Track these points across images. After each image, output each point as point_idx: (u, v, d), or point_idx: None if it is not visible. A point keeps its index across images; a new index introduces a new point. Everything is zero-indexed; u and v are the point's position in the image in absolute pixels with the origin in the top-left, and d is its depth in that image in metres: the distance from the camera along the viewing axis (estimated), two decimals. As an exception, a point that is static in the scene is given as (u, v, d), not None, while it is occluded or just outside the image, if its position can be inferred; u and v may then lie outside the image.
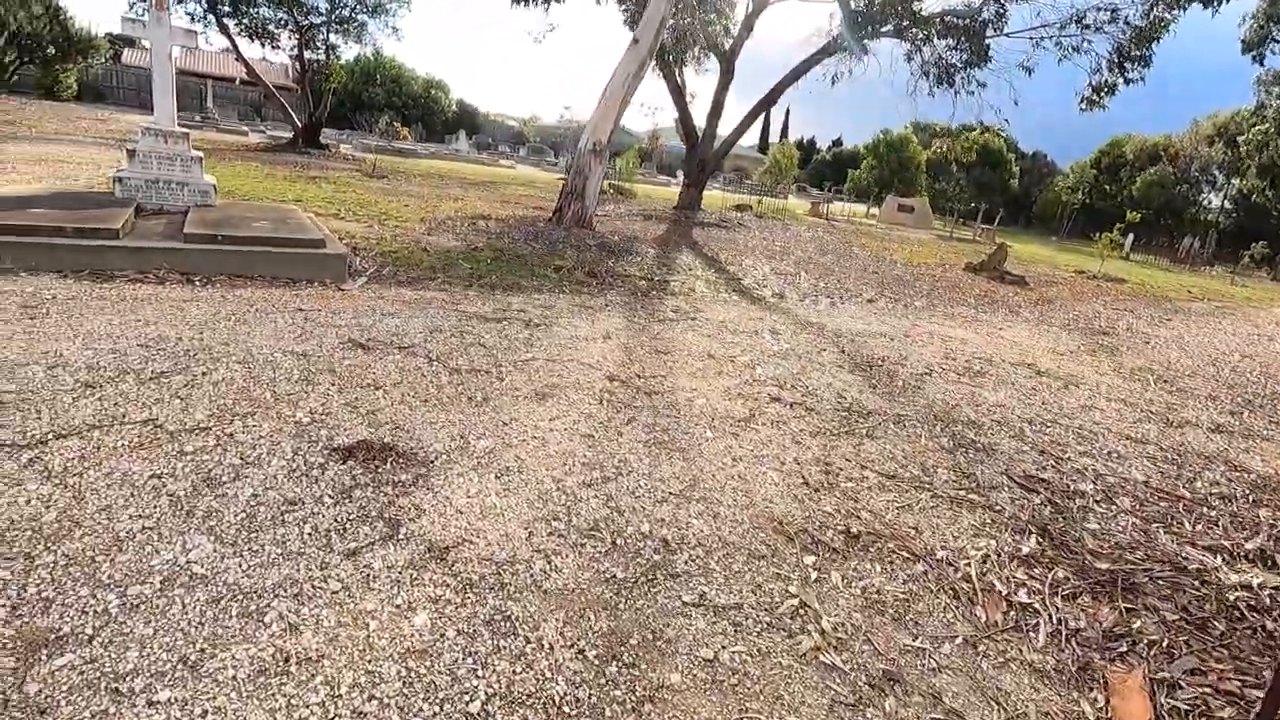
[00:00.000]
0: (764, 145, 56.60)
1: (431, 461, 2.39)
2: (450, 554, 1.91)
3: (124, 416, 2.37)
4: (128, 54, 37.93)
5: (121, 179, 5.82)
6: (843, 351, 4.92)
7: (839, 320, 6.24)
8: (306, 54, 19.45)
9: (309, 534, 1.90)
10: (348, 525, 1.96)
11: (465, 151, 32.66)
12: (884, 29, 12.56)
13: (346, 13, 18.87)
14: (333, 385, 2.89)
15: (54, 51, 26.46)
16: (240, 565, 1.74)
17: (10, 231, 4.31)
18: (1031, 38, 13.18)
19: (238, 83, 39.07)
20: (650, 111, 42.22)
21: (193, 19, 18.69)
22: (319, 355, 3.24)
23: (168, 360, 2.92)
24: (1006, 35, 13.03)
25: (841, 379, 4.18)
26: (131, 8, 16.05)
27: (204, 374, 2.82)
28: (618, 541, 2.10)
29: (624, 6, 15.94)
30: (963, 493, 2.81)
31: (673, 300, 6.11)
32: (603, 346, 4.10)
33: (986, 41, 12.72)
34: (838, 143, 60.76)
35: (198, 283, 4.51)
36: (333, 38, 20.02)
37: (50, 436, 2.17)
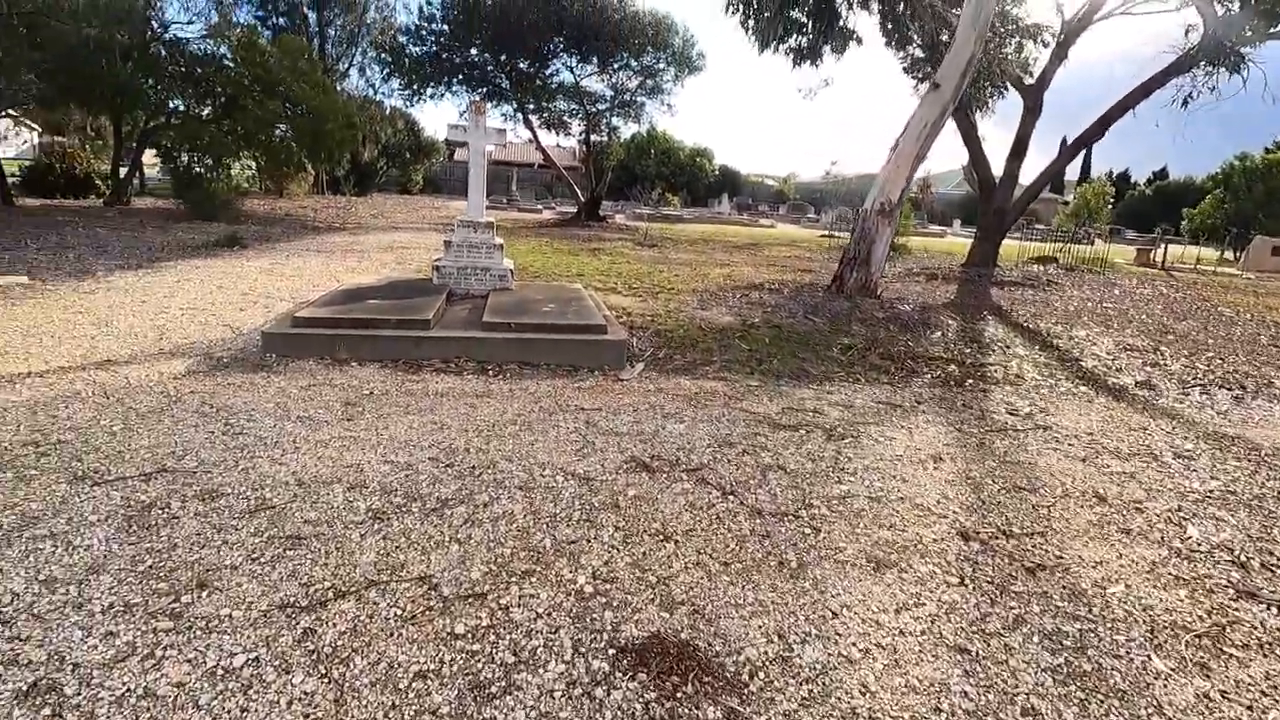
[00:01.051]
0: (1058, 184, 49.32)
1: (744, 684, 1.71)
2: None
3: (402, 567, 2.08)
4: (459, 152, 46.27)
5: (438, 267, 6.39)
6: (1307, 491, 3.27)
7: (1270, 429, 4.40)
8: (592, 136, 21.47)
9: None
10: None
11: (727, 213, 33.38)
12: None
13: (627, 97, 20.49)
14: (617, 531, 2.39)
15: (409, 156, 33.06)
16: None
17: (347, 326, 4.77)
18: None
19: (535, 167, 45.24)
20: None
21: (505, 118, 21.75)
22: (601, 479, 2.81)
23: (454, 481, 2.70)
24: None
25: (1338, 550, 2.66)
26: (461, 115, 19.06)
27: (485, 505, 2.52)
28: None
29: (901, 53, 14.80)
30: None
31: (1000, 393, 4.85)
32: (936, 475, 3.13)
33: None
34: (1160, 174, 50.68)
35: (491, 372, 4.54)
36: (614, 120, 21.89)
37: (330, 595, 1.93)
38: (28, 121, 24.44)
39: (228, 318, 5.59)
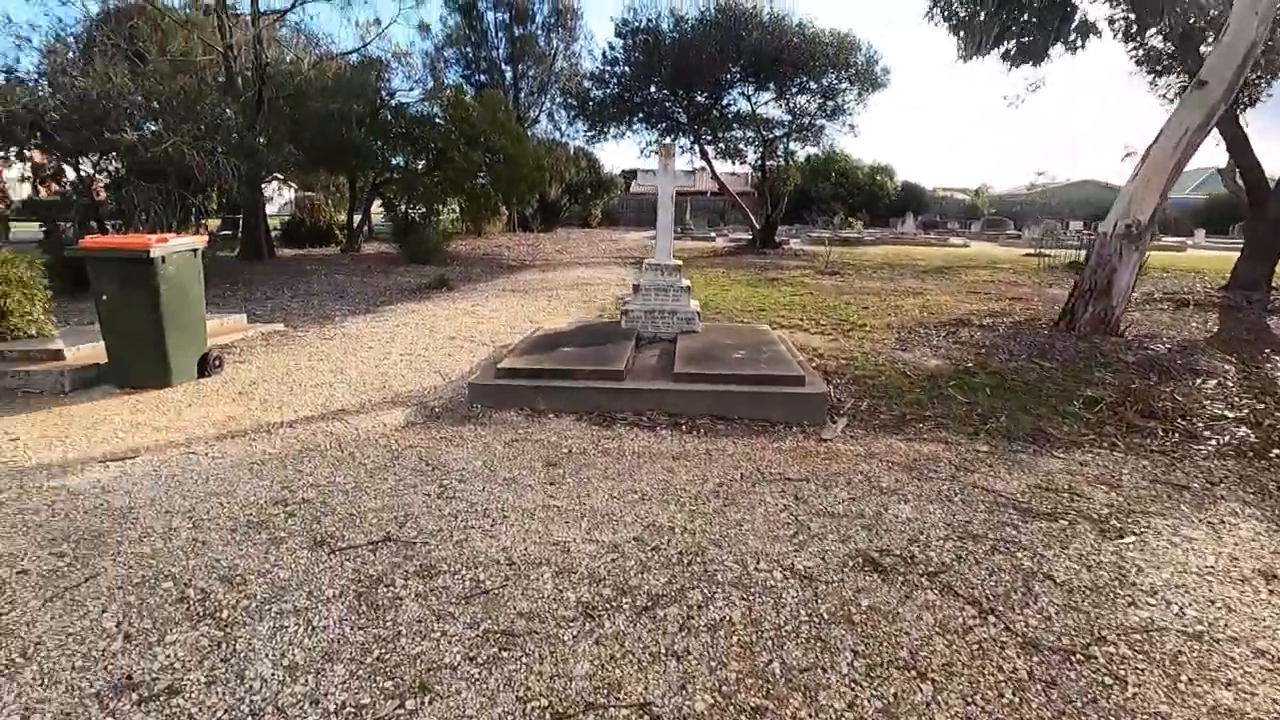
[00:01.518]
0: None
1: None
2: None
3: (619, 686, 1.90)
4: (633, 185, 48.15)
5: (627, 311, 6.41)
6: None
7: None
8: (768, 162, 21.10)
9: None
10: None
11: (911, 233, 31.23)
12: None
13: (805, 121, 19.92)
14: (856, 658, 2.04)
15: (589, 191, 34.90)
16: None
17: (545, 377, 4.86)
18: None
19: (708, 195, 45.69)
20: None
21: (681, 150, 22.09)
22: (825, 580, 2.46)
23: (662, 571, 2.51)
24: None
25: None
26: (642, 152, 19.65)
27: (699, 606, 2.29)
28: None
29: (1133, 45, 12.83)
30: None
31: (1330, 472, 3.76)
32: (1275, 603, 2.39)
33: None
34: None
35: (684, 427, 4.36)
36: (791, 144, 21.36)
37: (548, 718, 1.78)
38: (290, 182, 29.21)
39: (438, 363, 5.99)
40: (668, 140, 21.14)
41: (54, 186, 10.22)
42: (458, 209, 21.91)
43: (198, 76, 12.30)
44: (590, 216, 36.81)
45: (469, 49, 27.23)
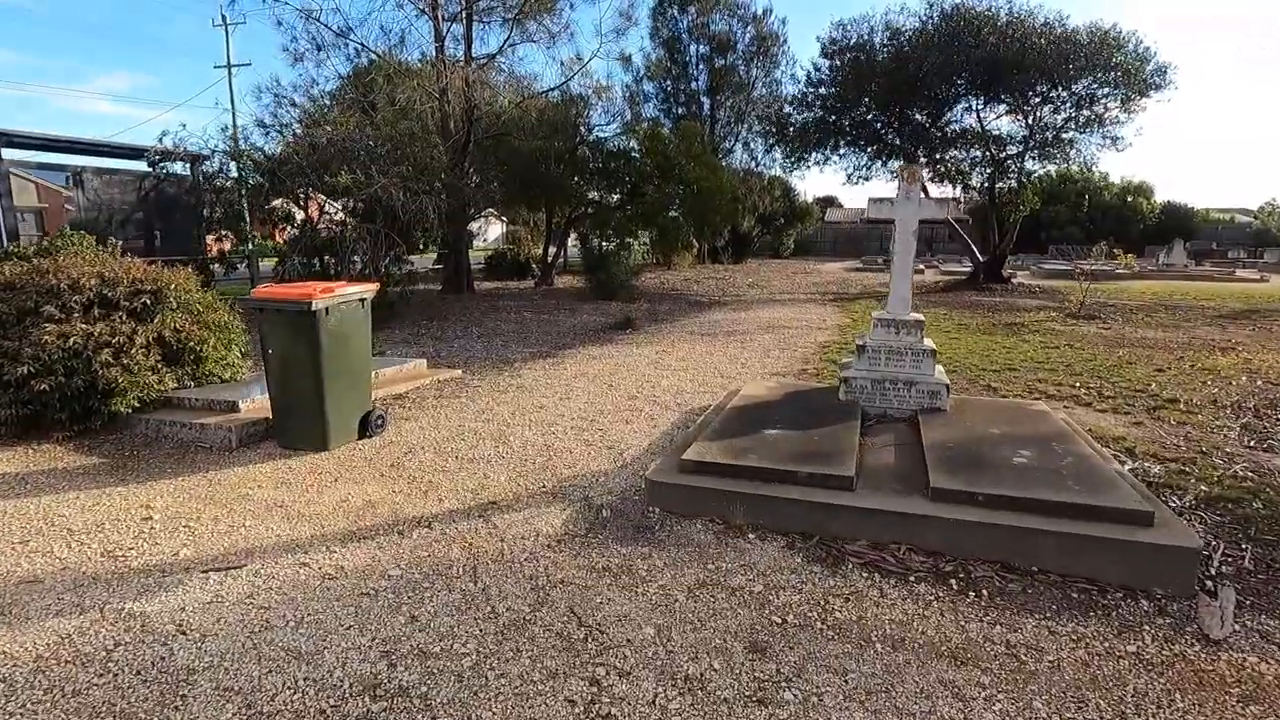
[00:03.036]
0: None
1: None
2: None
3: None
4: (829, 213, 45.73)
5: (848, 379, 5.00)
6: None
7: None
8: (997, 184, 18.20)
9: None
10: None
11: (1179, 264, 25.63)
12: None
13: (1049, 135, 16.86)
14: None
15: (782, 221, 33.40)
16: None
17: (744, 477, 3.63)
18: None
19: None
20: None
21: (891, 175, 19.92)
22: None
23: None
24: None
25: None
26: (849, 178, 17.93)
27: None
28: None
29: None
30: None
31: None
32: None
33: None
34: None
35: (954, 581, 2.89)
36: (1028, 163, 18.27)
37: None
38: (500, 217, 31.25)
39: (612, 434, 5.02)
40: (914, 164, 19.12)
41: (285, 229, 11.16)
42: (648, 241, 21.65)
43: (418, 122, 13.00)
44: (782, 247, 35.21)
45: (668, 83, 27.30)
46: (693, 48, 27.20)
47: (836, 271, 26.01)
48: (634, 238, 19.02)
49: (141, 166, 11.67)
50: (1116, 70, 15.18)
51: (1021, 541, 3.04)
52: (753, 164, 28.61)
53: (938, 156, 18.60)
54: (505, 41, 14.61)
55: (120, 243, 6.60)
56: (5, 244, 9.22)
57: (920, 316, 5.05)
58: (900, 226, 4.97)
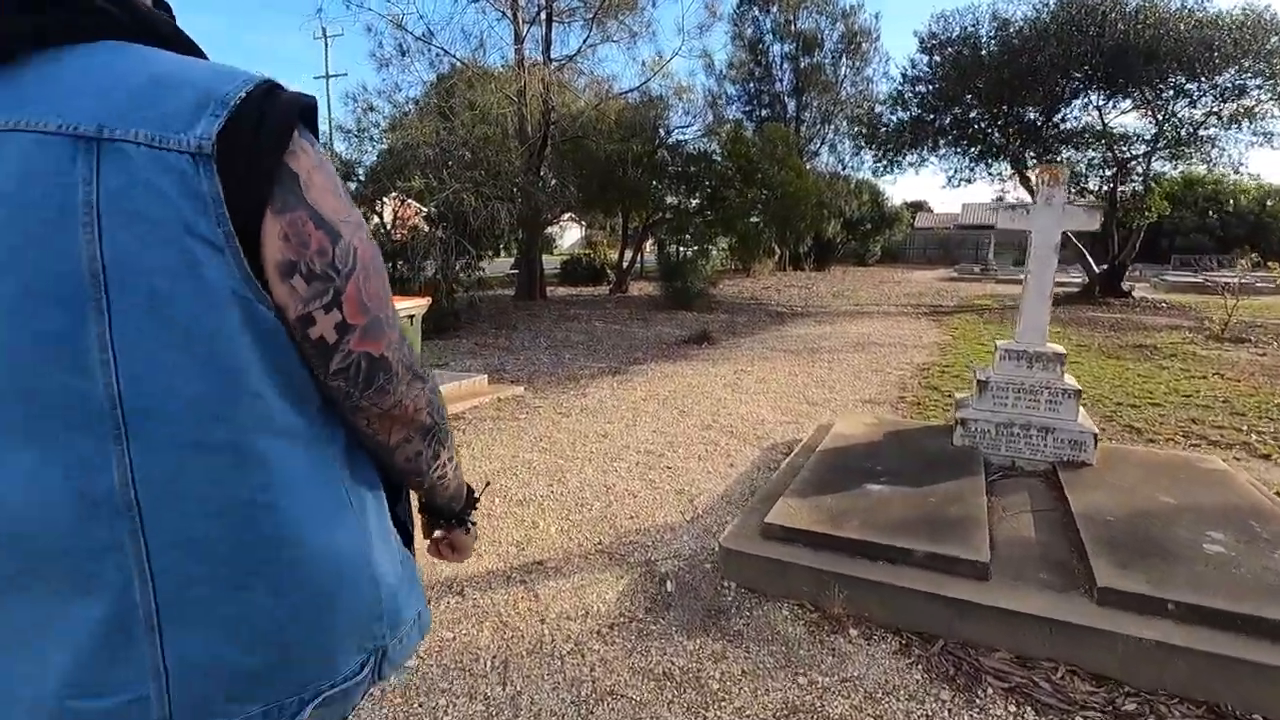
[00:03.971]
0: None
1: None
2: None
3: None
4: (918, 218, 43.44)
5: (965, 421, 4.18)
6: None
7: None
8: (1119, 188, 16.42)
9: None
10: None
11: (1335, 278, 22.52)
12: None
13: (1184, 133, 15.00)
14: None
15: (869, 226, 31.81)
16: None
17: (842, 551, 2.92)
18: None
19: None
20: None
21: (993, 178, 18.46)
22: None
23: None
24: None
25: None
26: (950, 180, 16.68)
27: None
28: None
29: None
30: None
31: None
32: None
33: None
34: None
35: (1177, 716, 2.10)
36: (1156, 164, 16.39)
37: None
38: (580, 221, 31.20)
39: (683, 474, 4.39)
40: (969, 159, 17.66)
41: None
42: (727, 247, 20.89)
43: (495, 126, 12.82)
44: (868, 254, 33.55)
45: (750, 84, 26.43)
46: (776, 47, 26.23)
47: (928, 281, 24.40)
48: (713, 244, 18.32)
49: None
50: (1273, 58, 13.29)
51: (1240, 678, 2.22)
52: (839, 167, 27.32)
53: (1049, 158, 16.98)
54: (584, 42, 14.27)
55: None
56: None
57: (1060, 349, 4.17)
58: (1038, 238, 4.12)
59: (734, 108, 26.23)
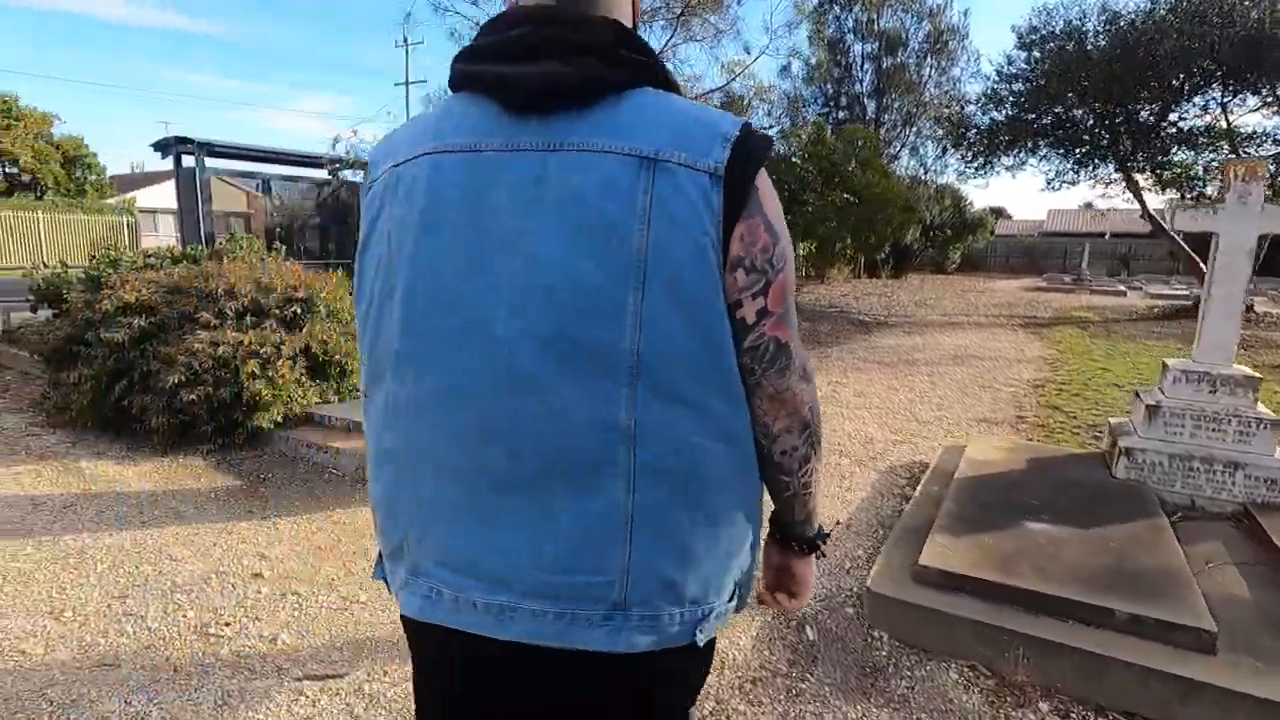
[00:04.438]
0: None
1: None
2: None
3: None
4: (999, 225, 41.40)
5: (1130, 451, 3.64)
6: None
7: None
8: (1243, 195, 14.99)
9: None
10: None
11: None
12: None
13: (1323, 130, 13.54)
14: None
15: (949, 233, 30.43)
16: None
17: (1020, 606, 2.48)
18: None
19: (1106, 237, 36.92)
20: None
21: (1095, 182, 17.23)
22: None
23: None
24: None
25: None
26: (1049, 184, 15.70)
27: None
28: None
29: None
30: None
31: None
32: None
33: None
34: None
35: None
36: (1287, 167, 14.88)
37: None
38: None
39: (797, 497, 4.00)
40: (1071, 162, 16.47)
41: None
42: (803, 254, 20.23)
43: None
44: (947, 261, 32.08)
45: (829, 85, 25.65)
46: (857, 47, 25.33)
47: (1013, 290, 23.03)
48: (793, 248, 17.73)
49: (324, 174, 12.24)
50: None
51: None
52: (921, 171, 26.21)
53: (1160, 159, 15.70)
54: (668, 42, 14.00)
55: (284, 248, 6.54)
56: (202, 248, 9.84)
57: (1253, 372, 3.59)
58: (1227, 242, 3.55)
59: (811, 109, 25.50)
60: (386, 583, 0.94)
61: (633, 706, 0.88)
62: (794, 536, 1.01)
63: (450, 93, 0.87)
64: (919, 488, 3.79)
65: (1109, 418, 4.48)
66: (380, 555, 0.96)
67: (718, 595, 0.87)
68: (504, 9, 0.85)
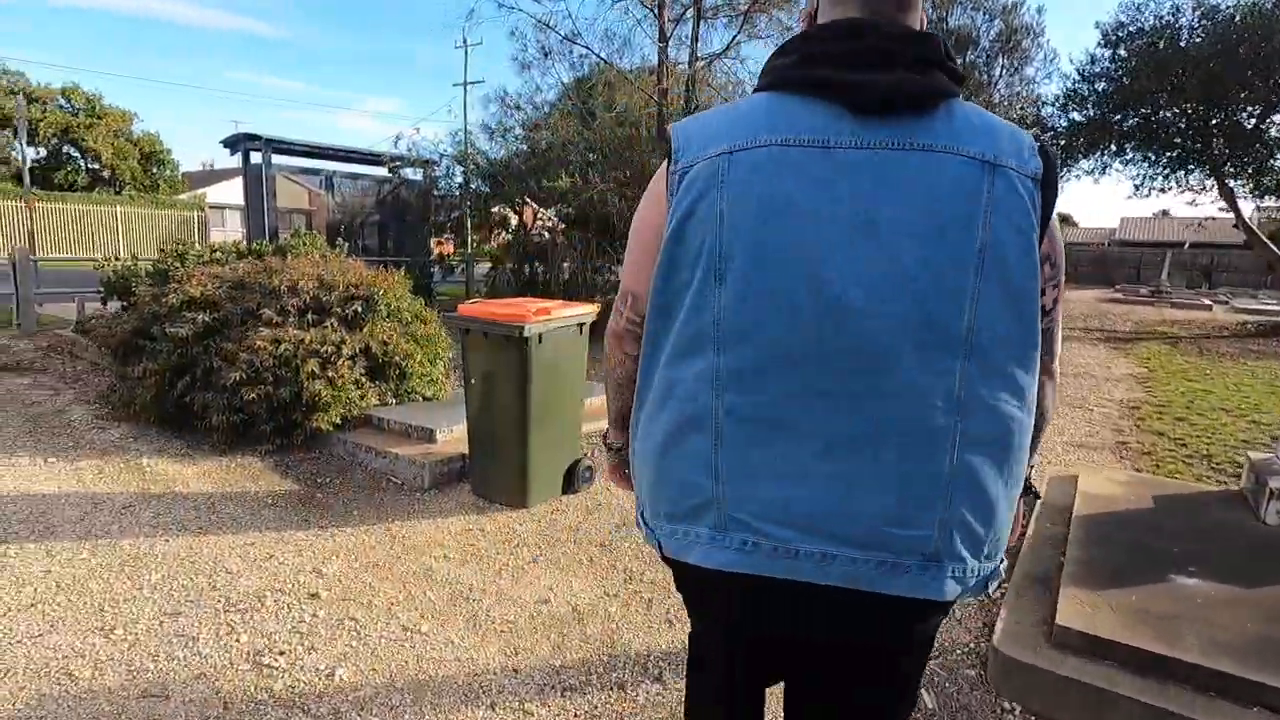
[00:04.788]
0: None
1: None
2: None
3: None
4: (1067, 233, 39.59)
5: (1277, 490, 3.17)
6: None
7: None
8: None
9: None
10: None
11: None
12: None
13: None
14: None
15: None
16: None
17: (1190, 680, 2.09)
18: None
19: (1185, 246, 34.89)
20: None
21: (1182, 190, 16.13)
22: None
23: None
24: None
25: None
26: (1137, 189, 14.77)
27: None
28: None
29: None
30: None
31: None
32: None
33: None
34: None
35: None
36: None
37: None
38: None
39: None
40: (1162, 167, 15.40)
41: (501, 234, 11.10)
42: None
43: (635, 127, 12.47)
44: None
45: (892, 86, 24.83)
46: (924, 46, 24.46)
47: (1088, 301, 21.82)
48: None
49: (384, 172, 12.33)
50: None
51: None
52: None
53: (1261, 166, 14.57)
54: (732, 40, 13.63)
55: (346, 244, 6.47)
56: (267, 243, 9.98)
57: None
58: None
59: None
60: (660, 546, 1.03)
61: (912, 650, 1.07)
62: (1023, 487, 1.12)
63: (765, 91, 0.98)
64: (1030, 523, 3.38)
65: (1248, 452, 3.95)
66: (643, 519, 1.07)
67: (999, 552, 0.99)
68: (802, 24, 1.03)
